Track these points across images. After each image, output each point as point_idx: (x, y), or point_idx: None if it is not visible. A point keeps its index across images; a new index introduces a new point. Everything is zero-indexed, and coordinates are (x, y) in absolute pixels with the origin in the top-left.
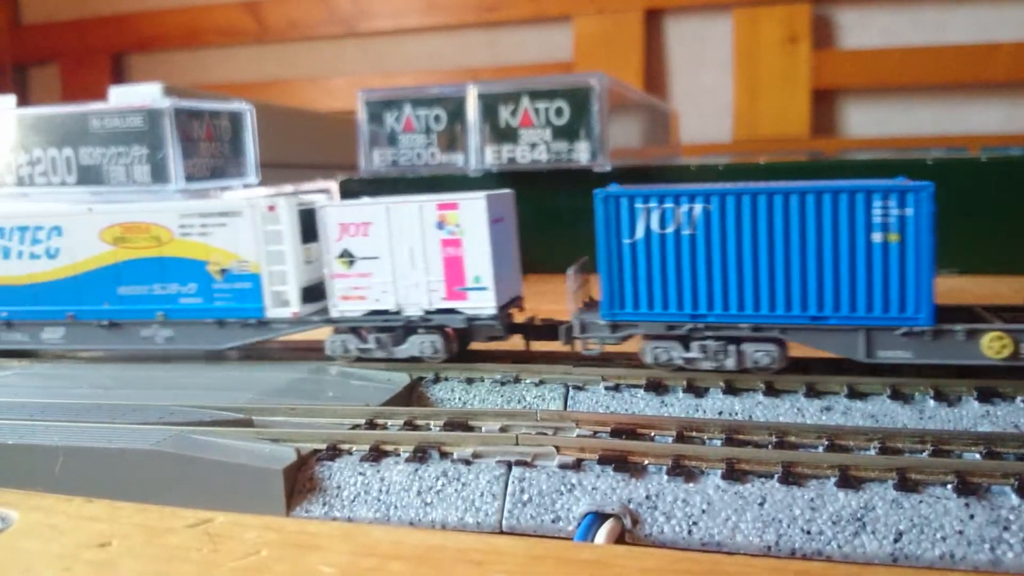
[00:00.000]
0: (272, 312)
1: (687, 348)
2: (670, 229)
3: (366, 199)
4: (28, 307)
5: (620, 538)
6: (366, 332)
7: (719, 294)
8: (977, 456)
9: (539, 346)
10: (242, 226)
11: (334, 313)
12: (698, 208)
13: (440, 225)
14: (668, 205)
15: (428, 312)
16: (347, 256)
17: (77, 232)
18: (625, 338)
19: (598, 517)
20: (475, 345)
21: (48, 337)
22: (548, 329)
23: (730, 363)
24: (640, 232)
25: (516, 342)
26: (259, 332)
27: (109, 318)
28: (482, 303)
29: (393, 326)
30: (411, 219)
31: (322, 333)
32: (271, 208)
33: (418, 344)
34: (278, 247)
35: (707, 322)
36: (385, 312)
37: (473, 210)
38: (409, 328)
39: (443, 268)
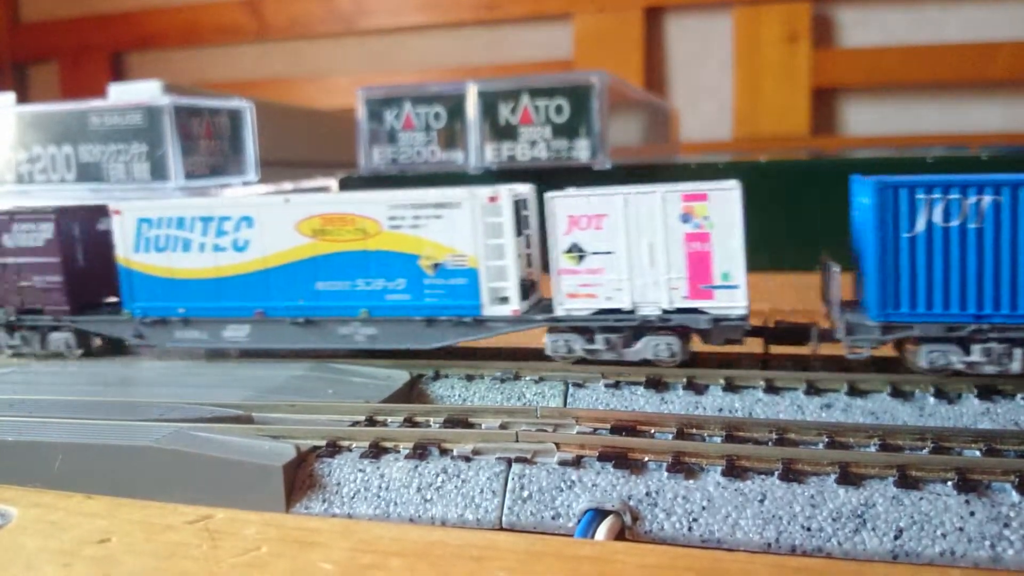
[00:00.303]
0: (489, 310)
1: (967, 351)
2: (955, 222)
3: (598, 188)
4: (209, 303)
5: (620, 535)
6: (594, 332)
7: (1007, 293)
8: (977, 453)
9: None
10: (460, 218)
11: (559, 311)
12: (987, 199)
13: (685, 218)
14: (954, 196)
15: (667, 312)
16: (576, 250)
17: (271, 224)
18: (884, 342)
19: (598, 514)
20: (700, 348)
21: (231, 335)
22: (793, 331)
23: (1016, 367)
24: (921, 225)
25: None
26: (474, 331)
27: (304, 315)
28: (731, 302)
29: (624, 326)
30: (652, 211)
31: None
32: (492, 199)
33: (652, 346)
34: (498, 240)
35: (993, 323)
36: (617, 311)
37: (725, 202)
38: (641, 329)
39: (687, 264)
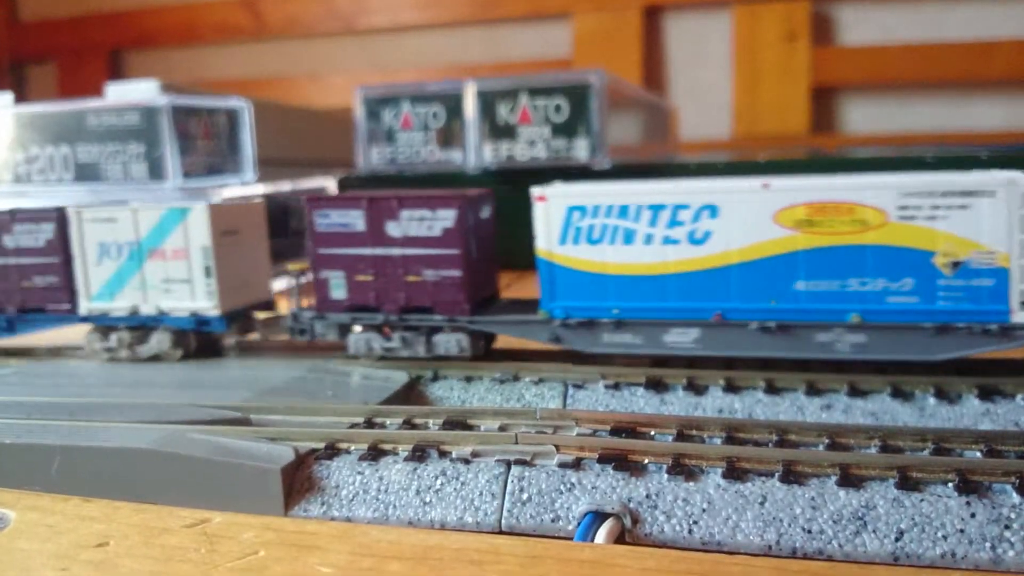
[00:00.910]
0: (1020, 316)
1: None
2: None
3: None
4: (651, 303)
5: (620, 538)
6: None
7: None
8: (978, 454)
9: None
10: (992, 209)
11: None
12: None
13: None
14: None
15: None
16: None
17: (741, 213)
18: None
19: (598, 516)
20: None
21: (675, 340)
22: None
23: None
24: None
25: None
26: (996, 341)
27: (776, 319)
28: None
29: None
30: None
31: None
32: None
33: None
34: None
35: None
36: None
37: None
38: None
39: None
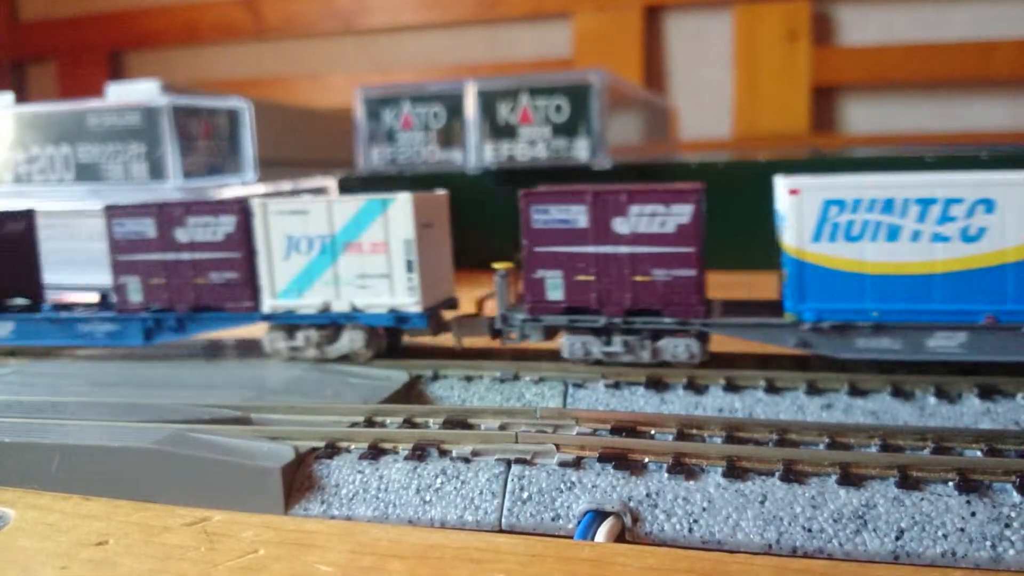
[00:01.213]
0: None
1: None
2: None
3: None
4: (914, 305)
5: (620, 536)
6: None
7: None
8: (978, 453)
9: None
10: None
11: None
12: None
13: None
14: None
15: None
16: None
17: (1021, 208)
18: None
19: (598, 515)
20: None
21: (939, 345)
22: None
23: None
24: None
25: None
26: None
27: None
28: None
29: None
30: None
31: None
32: None
33: None
34: None
35: None
36: None
37: None
38: None
39: None
